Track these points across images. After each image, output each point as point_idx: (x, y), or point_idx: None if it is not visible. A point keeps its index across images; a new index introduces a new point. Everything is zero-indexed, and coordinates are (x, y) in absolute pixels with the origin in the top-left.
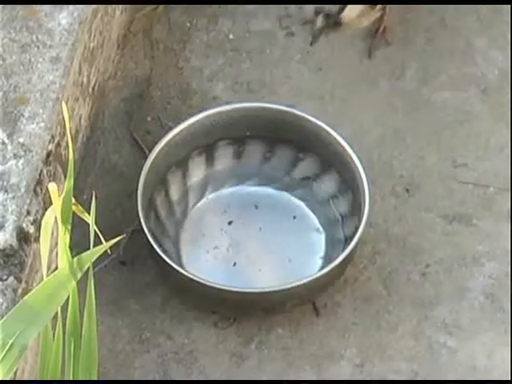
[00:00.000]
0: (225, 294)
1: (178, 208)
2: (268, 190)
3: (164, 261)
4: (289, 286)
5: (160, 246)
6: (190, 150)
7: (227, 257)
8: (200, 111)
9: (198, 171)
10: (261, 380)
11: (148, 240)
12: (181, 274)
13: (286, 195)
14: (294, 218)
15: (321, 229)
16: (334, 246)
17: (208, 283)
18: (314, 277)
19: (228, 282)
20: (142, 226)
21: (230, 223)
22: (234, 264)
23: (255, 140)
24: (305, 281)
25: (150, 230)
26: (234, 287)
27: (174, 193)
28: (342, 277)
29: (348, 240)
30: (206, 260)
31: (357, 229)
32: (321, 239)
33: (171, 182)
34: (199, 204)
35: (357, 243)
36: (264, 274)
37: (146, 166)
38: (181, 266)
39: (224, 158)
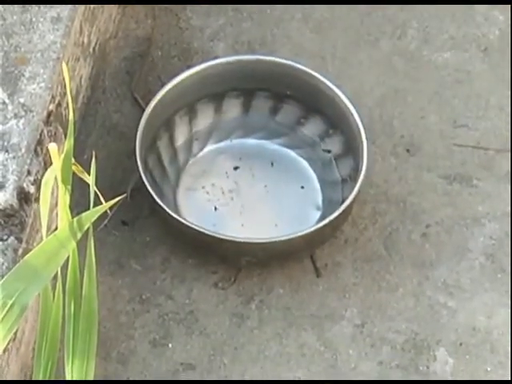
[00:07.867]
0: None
1: (197, 145)
2: (291, 154)
3: (152, 198)
4: (241, 241)
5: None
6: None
7: (220, 200)
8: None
9: (232, 113)
10: (263, 380)
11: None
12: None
13: (305, 164)
14: (302, 187)
15: (321, 206)
16: None
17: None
18: (269, 240)
19: (207, 225)
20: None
21: (235, 168)
22: (216, 209)
23: (314, 113)
24: (258, 241)
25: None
26: (190, 223)
27: (201, 127)
28: (308, 250)
29: None
30: (200, 195)
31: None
32: (316, 216)
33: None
34: (218, 145)
35: (325, 225)
36: (245, 229)
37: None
38: (174, 201)
39: (262, 111)
